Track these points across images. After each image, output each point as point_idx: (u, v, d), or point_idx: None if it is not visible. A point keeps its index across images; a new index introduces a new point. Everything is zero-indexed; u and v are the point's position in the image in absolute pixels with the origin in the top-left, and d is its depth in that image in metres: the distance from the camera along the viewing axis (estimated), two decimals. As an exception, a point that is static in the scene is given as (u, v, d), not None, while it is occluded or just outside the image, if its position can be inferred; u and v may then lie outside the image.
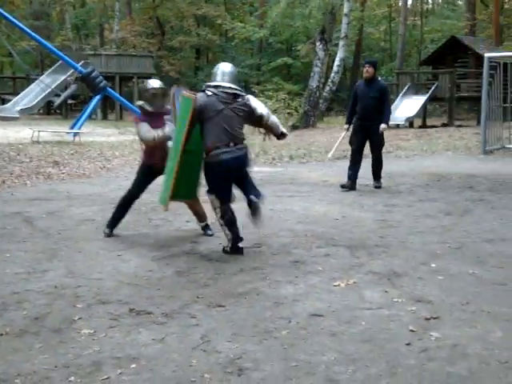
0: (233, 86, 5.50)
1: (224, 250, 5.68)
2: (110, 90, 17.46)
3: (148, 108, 6.14)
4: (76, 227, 6.74)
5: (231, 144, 5.41)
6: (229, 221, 5.59)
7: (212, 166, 5.45)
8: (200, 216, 6.46)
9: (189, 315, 4.02)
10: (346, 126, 9.73)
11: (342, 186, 9.27)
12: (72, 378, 3.10)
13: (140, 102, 6.19)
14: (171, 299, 4.35)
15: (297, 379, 3.08)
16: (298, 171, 11.54)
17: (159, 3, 38.78)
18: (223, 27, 37.30)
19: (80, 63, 22.48)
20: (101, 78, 17.28)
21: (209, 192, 5.58)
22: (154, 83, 6.20)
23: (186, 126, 5.39)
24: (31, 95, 27.11)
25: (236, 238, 5.62)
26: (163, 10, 38.89)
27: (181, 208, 7.72)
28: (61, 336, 3.66)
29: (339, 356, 3.34)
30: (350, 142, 9.59)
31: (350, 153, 9.79)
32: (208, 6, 38.08)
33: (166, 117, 6.16)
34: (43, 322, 3.88)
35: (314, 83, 22.46)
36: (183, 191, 5.91)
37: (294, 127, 22.20)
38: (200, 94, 5.43)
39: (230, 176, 5.51)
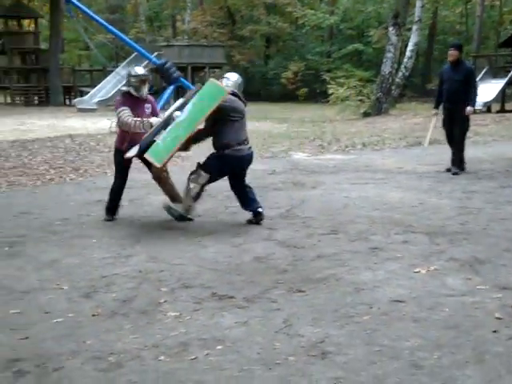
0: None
1: (178, 217, 6.42)
2: (183, 80, 17.75)
3: (134, 93, 6.48)
4: (156, 214, 6.93)
5: (247, 143, 6.35)
6: (198, 196, 6.38)
7: (230, 157, 6.19)
8: (174, 198, 6.72)
9: (269, 300, 4.09)
10: (434, 111, 9.69)
11: (448, 170, 9.31)
12: (162, 358, 3.23)
13: (125, 88, 6.54)
14: (251, 284, 4.43)
15: (381, 363, 3.10)
16: (372, 158, 11.41)
17: (230, -7, 39.07)
18: (293, 15, 37.12)
19: (154, 54, 22.97)
20: (174, 68, 17.61)
21: (205, 170, 6.23)
22: (141, 70, 6.59)
23: (209, 110, 5.99)
24: (108, 87, 27.94)
25: (190, 210, 6.45)
26: (234, -1, 39.16)
27: (257, 196, 7.82)
28: (148, 317, 3.81)
29: (423, 342, 3.33)
30: (443, 126, 9.52)
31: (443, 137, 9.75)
32: (278, -7, 38.00)
33: (146, 105, 6.61)
34: (131, 304, 4.04)
35: (386, 69, 22.07)
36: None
37: (365, 114, 21.94)
38: (233, 97, 6.13)
39: (237, 169, 6.38)
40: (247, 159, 6.40)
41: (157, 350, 3.33)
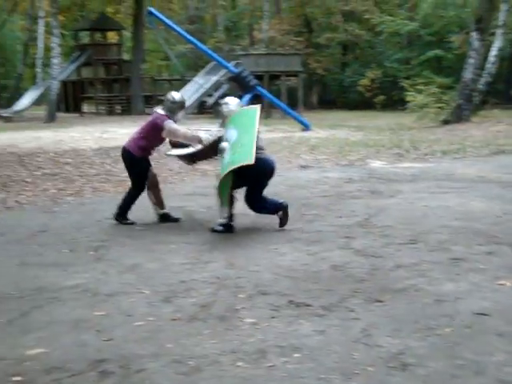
0: None
1: (215, 230, 6.47)
2: (260, 88, 17.90)
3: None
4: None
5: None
6: (232, 202, 6.59)
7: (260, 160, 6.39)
8: (162, 204, 7.19)
9: (347, 309, 4.06)
10: None
11: None
12: (240, 364, 3.26)
13: (163, 112, 6.89)
14: (329, 293, 4.40)
15: (464, 378, 3.01)
16: (452, 167, 11.12)
17: (307, 1, 39.05)
18: (371, 22, 36.75)
19: (231, 63, 23.30)
20: (251, 77, 17.82)
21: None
22: (178, 96, 7.04)
23: (256, 128, 6.48)
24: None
25: (232, 216, 6.55)
26: (311, 7, 39.12)
27: (333, 204, 7.79)
28: (226, 323, 3.85)
29: (509, 357, 3.21)
30: None
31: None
32: (356, 1, 37.72)
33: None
34: (209, 310, 4.10)
35: (468, 75, 21.46)
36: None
37: (445, 122, 21.38)
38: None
39: (268, 169, 6.59)
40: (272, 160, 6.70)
41: (235, 355, 3.36)
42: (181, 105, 7.01)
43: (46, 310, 4.15)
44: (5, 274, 5.02)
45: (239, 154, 6.40)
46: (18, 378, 3.14)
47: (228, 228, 6.46)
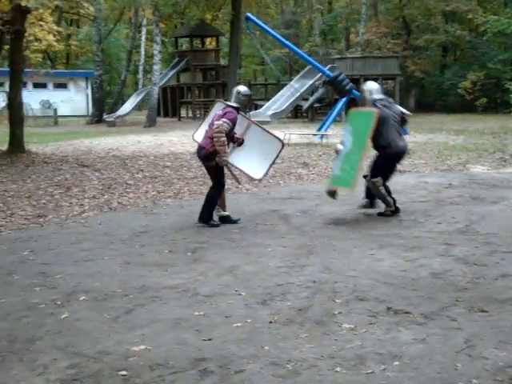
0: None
1: (383, 213, 7.30)
2: (355, 92, 17.71)
3: (241, 110, 7.20)
4: (328, 225, 6.97)
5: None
6: (388, 190, 7.31)
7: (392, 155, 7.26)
8: (224, 206, 7.36)
9: (449, 318, 3.93)
10: None
11: None
12: (338, 369, 3.23)
13: (235, 104, 7.05)
14: (429, 300, 4.28)
15: None
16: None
17: (406, 3, 38.24)
18: (474, 22, 35.45)
19: (327, 67, 23.19)
20: (347, 80, 17.65)
21: (375, 176, 7.20)
22: (246, 88, 7.37)
23: (368, 138, 7.09)
24: (281, 100, 28.64)
25: (394, 200, 7.34)
26: (410, 9, 38.22)
27: (432, 210, 7.57)
28: (324, 328, 3.83)
29: None
30: None
31: None
32: (458, 0, 36.50)
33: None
34: (306, 314, 4.09)
35: None
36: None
37: (553, 125, 20.32)
38: (378, 110, 7.10)
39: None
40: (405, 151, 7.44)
41: (333, 360, 3.33)
42: (249, 97, 7.34)
43: (149, 309, 4.29)
44: (110, 273, 5.24)
45: (343, 173, 7.24)
46: (124, 373, 3.27)
47: (396, 210, 7.33)
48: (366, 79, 32.24)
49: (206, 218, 7.03)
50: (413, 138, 18.22)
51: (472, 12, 34.97)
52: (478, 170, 11.29)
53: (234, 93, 7.15)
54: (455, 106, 36.07)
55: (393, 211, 7.31)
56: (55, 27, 19.37)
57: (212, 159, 6.93)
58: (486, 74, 34.65)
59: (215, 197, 7.09)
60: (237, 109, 7.01)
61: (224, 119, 6.77)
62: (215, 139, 6.74)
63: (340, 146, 7.41)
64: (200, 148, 7.08)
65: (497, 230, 6.34)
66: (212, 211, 7.05)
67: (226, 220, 7.19)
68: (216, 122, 6.78)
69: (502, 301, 4.20)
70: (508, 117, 24.14)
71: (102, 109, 33.93)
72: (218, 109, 7.26)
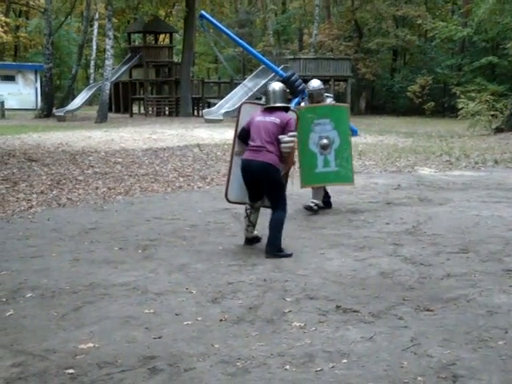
0: None
1: (311, 208, 7.53)
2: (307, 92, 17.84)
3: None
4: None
5: None
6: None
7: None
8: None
9: (396, 317, 4.01)
10: None
11: None
12: (287, 367, 3.26)
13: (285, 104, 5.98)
14: (377, 300, 4.36)
15: (518, 392, 2.94)
16: (505, 176, 10.87)
17: (358, 6, 38.80)
18: (423, 27, 36.25)
19: (280, 67, 23.31)
20: (300, 81, 17.76)
21: None
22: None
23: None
24: (234, 98, 28.65)
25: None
26: (362, 12, 38.81)
27: (381, 210, 7.71)
28: (274, 326, 3.85)
29: None
30: None
31: None
32: (408, 6, 37.25)
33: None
34: (257, 312, 4.11)
35: (523, 83, 20.99)
36: None
37: (498, 130, 20.89)
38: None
39: None
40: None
41: (282, 359, 3.36)
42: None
43: (97, 306, 4.24)
44: (58, 270, 5.14)
45: (343, 169, 7.59)
46: (71, 371, 3.22)
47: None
48: (319, 80, 32.61)
49: (278, 245, 5.70)
50: (363, 140, 18.50)
51: (421, 18, 35.75)
52: (426, 172, 11.54)
53: (278, 91, 5.85)
54: (404, 109, 36.80)
55: (319, 207, 7.61)
56: (3, 18, 18.88)
57: (278, 173, 5.78)
58: (433, 78, 35.48)
59: (283, 220, 5.81)
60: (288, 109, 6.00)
61: (294, 133, 5.75)
62: (287, 155, 5.74)
63: (326, 141, 7.50)
64: (261, 165, 5.65)
65: (443, 231, 6.49)
66: (279, 241, 5.73)
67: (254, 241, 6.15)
68: (286, 139, 5.67)
69: (447, 300, 4.31)
70: (454, 121, 24.76)
71: (52, 103, 33.24)
72: (255, 114, 5.93)
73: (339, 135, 7.54)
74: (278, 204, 5.80)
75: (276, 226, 5.72)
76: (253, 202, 6.01)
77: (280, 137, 5.69)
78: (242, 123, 6.05)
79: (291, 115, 5.91)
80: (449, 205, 8.08)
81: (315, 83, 7.79)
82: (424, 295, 4.44)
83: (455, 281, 4.78)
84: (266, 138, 5.67)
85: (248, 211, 6.04)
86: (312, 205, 7.59)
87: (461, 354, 3.38)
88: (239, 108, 6.32)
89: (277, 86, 5.92)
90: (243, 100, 27.88)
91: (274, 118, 5.74)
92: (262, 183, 5.76)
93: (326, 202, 7.90)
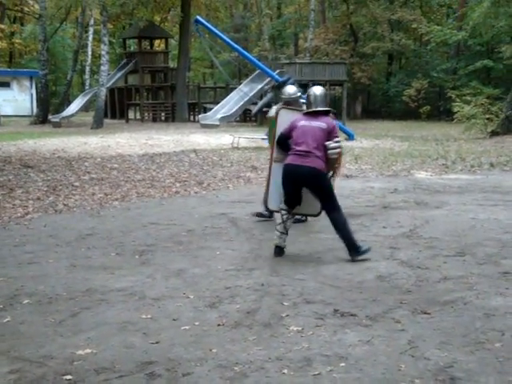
0: None
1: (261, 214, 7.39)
2: (304, 97, 17.87)
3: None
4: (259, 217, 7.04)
5: None
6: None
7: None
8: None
9: (393, 320, 4.02)
10: None
11: None
12: (285, 371, 3.26)
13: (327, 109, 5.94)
14: (374, 303, 4.37)
15: (515, 394, 2.94)
16: (501, 179, 10.90)
17: (353, 10, 38.93)
18: (418, 31, 36.39)
19: (276, 72, 23.36)
20: (296, 85, 17.81)
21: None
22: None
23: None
24: (230, 103, 28.68)
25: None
26: (357, 16, 38.96)
27: (378, 214, 7.72)
28: (272, 330, 3.85)
29: (562, 375, 3.13)
30: None
31: None
32: (403, 10, 37.39)
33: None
34: (254, 317, 4.11)
35: (517, 86, 21.05)
36: None
37: (493, 133, 20.97)
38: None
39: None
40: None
41: (280, 363, 3.36)
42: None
43: (95, 312, 4.23)
44: (55, 276, 5.14)
45: None
46: (69, 377, 3.21)
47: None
48: (315, 85, 32.76)
49: (355, 244, 5.65)
50: (359, 144, 18.56)
51: (416, 22, 35.88)
52: (422, 175, 11.56)
53: (320, 94, 5.81)
54: (400, 113, 36.90)
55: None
56: (-2, 24, 18.88)
57: (326, 178, 5.80)
58: (429, 82, 35.60)
59: (343, 217, 5.76)
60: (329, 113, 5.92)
61: (339, 138, 5.82)
62: (333, 160, 5.80)
63: None
64: (309, 171, 5.60)
65: (439, 234, 6.51)
66: (355, 243, 5.65)
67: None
68: (334, 145, 5.69)
69: (444, 303, 4.32)
70: (450, 124, 24.85)
71: (47, 109, 33.22)
72: (297, 118, 5.88)
73: None
74: (334, 206, 5.74)
75: (343, 228, 5.68)
76: (291, 207, 5.88)
77: (327, 143, 5.66)
78: (280, 129, 5.99)
79: (333, 122, 5.85)
80: (445, 208, 8.10)
81: (291, 89, 7.06)
82: (421, 298, 4.44)
83: (452, 284, 4.79)
84: (314, 143, 5.62)
85: (285, 217, 5.87)
86: (300, 217, 7.17)
87: (458, 357, 3.38)
88: (276, 114, 6.23)
89: (318, 90, 5.88)
90: (240, 105, 27.95)
91: (320, 123, 5.69)
92: (310, 188, 5.71)
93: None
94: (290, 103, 7.05)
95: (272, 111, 7.45)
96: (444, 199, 8.76)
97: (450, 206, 8.26)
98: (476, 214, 7.56)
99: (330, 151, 5.68)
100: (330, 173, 5.95)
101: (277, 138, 6.03)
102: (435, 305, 4.28)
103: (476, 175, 11.57)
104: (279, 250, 5.82)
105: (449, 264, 5.37)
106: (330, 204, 5.74)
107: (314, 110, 5.76)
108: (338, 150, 5.75)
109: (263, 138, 18.79)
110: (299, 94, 7.19)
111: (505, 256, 5.57)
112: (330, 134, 5.69)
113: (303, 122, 5.74)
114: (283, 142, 5.95)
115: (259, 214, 7.50)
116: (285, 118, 6.03)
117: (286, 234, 5.85)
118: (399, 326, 3.90)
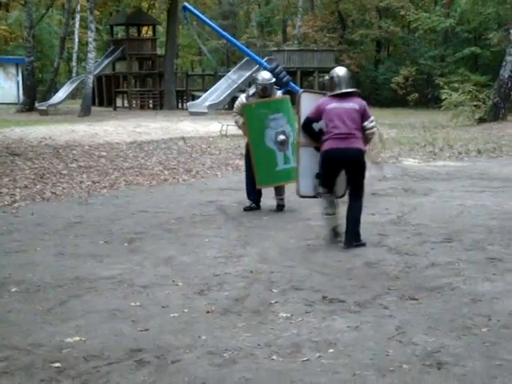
0: None
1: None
2: (292, 84, 17.82)
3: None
4: (265, 216, 7.02)
5: None
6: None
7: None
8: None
9: (381, 306, 4.04)
10: None
11: None
12: (274, 357, 3.27)
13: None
14: (362, 289, 4.39)
15: (502, 378, 2.97)
16: (488, 166, 10.97)
17: (342, -3, 38.86)
18: (406, 18, 36.36)
19: (264, 59, 23.27)
20: (284, 73, 17.74)
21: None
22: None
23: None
24: (218, 91, 28.56)
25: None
26: (345, 3, 38.80)
27: (366, 201, 7.73)
28: (261, 317, 3.87)
29: (548, 359, 3.16)
30: None
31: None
32: (391, -4, 37.34)
33: None
34: (243, 303, 4.12)
35: (505, 73, 21.08)
36: None
37: (481, 120, 21.07)
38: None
39: None
40: None
41: (269, 349, 3.37)
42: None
43: (84, 300, 4.23)
44: (43, 264, 5.11)
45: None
46: (58, 365, 3.21)
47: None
48: (304, 72, 32.60)
49: (358, 234, 5.64)
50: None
51: (404, 9, 35.82)
52: (410, 162, 11.60)
53: (343, 75, 5.71)
54: (388, 100, 36.89)
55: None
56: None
57: (363, 158, 5.72)
58: (417, 69, 35.61)
59: (362, 204, 5.78)
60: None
61: (372, 117, 5.77)
62: (370, 140, 5.88)
63: (283, 137, 7.08)
64: (354, 152, 5.58)
65: (427, 221, 6.54)
66: (359, 228, 5.67)
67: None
68: (371, 124, 5.69)
69: (431, 289, 4.35)
70: (438, 111, 24.91)
71: (34, 97, 32.90)
72: (324, 101, 5.75)
73: (292, 129, 7.09)
74: (361, 190, 5.72)
75: (359, 214, 5.65)
76: (331, 189, 5.80)
77: (365, 124, 5.64)
78: (306, 113, 5.88)
79: (362, 101, 5.79)
80: (433, 195, 8.14)
81: (266, 75, 7.14)
82: (409, 284, 4.47)
83: (440, 270, 4.82)
84: (353, 124, 5.55)
85: (329, 199, 5.80)
86: (282, 203, 7.33)
87: (445, 342, 3.41)
88: (298, 98, 6.09)
89: (341, 71, 5.78)
90: (228, 92, 27.84)
91: (353, 104, 5.63)
92: (352, 170, 5.64)
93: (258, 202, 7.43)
94: (266, 88, 7.07)
95: (242, 99, 7.34)
96: (432, 186, 8.80)
97: (437, 192, 8.30)
98: (463, 201, 7.60)
99: (367, 131, 5.68)
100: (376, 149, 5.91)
101: (302, 121, 5.91)
102: (423, 291, 4.31)
103: (463, 162, 11.62)
104: (336, 233, 5.75)
105: (436, 250, 5.40)
106: (361, 188, 5.71)
107: (341, 91, 5.63)
108: (374, 130, 5.79)
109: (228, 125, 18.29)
110: (274, 79, 7.19)
111: (491, 242, 5.61)
112: (364, 114, 5.65)
113: (334, 104, 5.61)
114: (309, 127, 5.85)
115: (248, 208, 7.36)
116: (308, 103, 5.94)
117: (336, 212, 5.79)
118: (387, 311, 3.93)
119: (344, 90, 5.64)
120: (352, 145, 5.53)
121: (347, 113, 5.57)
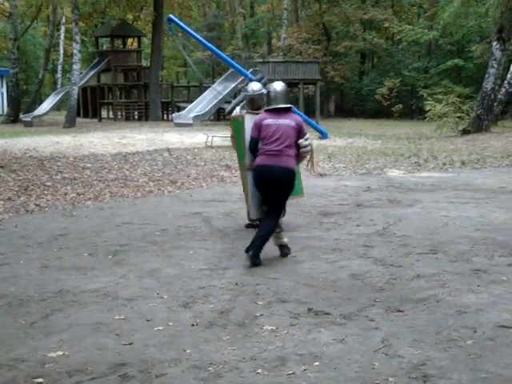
0: None
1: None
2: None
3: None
4: (250, 228, 6.98)
5: None
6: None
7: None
8: None
9: (367, 318, 4.03)
10: None
11: None
12: (259, 371, 3.25)
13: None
14: (348, 301, 4.38)
15: (487, 390, 2.97)
16: (472, 177, 11.04)
17: (326, 9, 39.09)
18: (390, 30, 36.69)
19: (249, 71, 23.34)
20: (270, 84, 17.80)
21: None
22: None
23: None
24: (204, 102, 28.56)
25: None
26: (330, 16, 39.11)
27: (351, 212, 7.76)
28: (246, 330, 3.84)
29: (533, 370, 3.17)
30: None
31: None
32: (375, 9, 37.67)
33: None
34: (228, 316, 4.10)
35: (488, 85, 21.31)
36: None
37: (464, 132, 21.25)
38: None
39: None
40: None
41: (254, 362, 3.35)
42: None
43: (67, 313, 4.18)
44: (26, 277, 5.06)
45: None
46: (40, 380, 3.16)
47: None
48: (288, 84, 32.69)
49: (259, 249, 5.47)
50: (333, 142, 18.64)
51: (388, 21, 36.15)
52: (395, 173, 11.66)
53: (280, 91, 5.59)
54: (373, 112, 37.16)
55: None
56: (-33, 22, 18.57)
57: (291, 177, 5.59)
58: (401, 81, 35.90)
59: (276, 226, 5.69)
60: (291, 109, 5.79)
61: (307, 135, 5.74)
62: (304, 158, 5.88)
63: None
64: (283, 171, 5.47)
65: (412, 232, 6.56)
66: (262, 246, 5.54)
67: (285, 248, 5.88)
68: (306, 142, 5.69)
69: (417, 300, 4.35)
70: (422, 123, 25.10)
71: (18, 108, 32.78)
72: (260, 118, 5.66)
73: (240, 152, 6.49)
74: (280, 210, 5.71)
75: (269, 232, 5.54)
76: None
77: (300, 141, 5.59)
78: (249, 134, 5.77)
79: (299, 118, 5.73)
80: (418, 206, 8.17)
81: (255, 86, 6.66)
82: (394, 296, 4.47)
83: (425, 281, 4.83)
84: (286, 142, 5.46)
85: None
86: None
87: (431, 354, 3.41)
88: (243, 120, 5.98)
89: (278, 85, 5.65)
90: (213, 104, 27.85)
91: (289, 121, 5.54)
92: (279, 189, 5.54)
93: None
94: (255, 100, 6.78)
95: (236, 111, 7.35)
96: (416, 197, 8.84)
97: (422, 203, 8.33)
98: (448, 212, 7.64)
99: (301, 149, 5.65)
100: (303, 167, 5.88)
101: (248, 143, 5.78)
102: (408, 303, 4.31)
103: (448, 173, 11.70)
104: (286, 249, 5.75)
105: (421, 262, 5.41)
106: (281, 207, 5.71)
107: (276, 107, 5.54)
108: (308, 148, 5.75)
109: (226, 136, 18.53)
110: (264, 91, 6.83)
111: (476, 253, 5.64)
112: (300, 131, 5.59)
113: (270, 121, 5.53)
114: (255, 147, 5.70)
115: (249, 225, 7.04)
116: (250, 123, 5.80)
117: (283, 229, 5.79)
118: (373, 324, 3.92)
119: (280, 106, 5.56)
120: (280, 163, 5.44)
121: (284, 130, 5.49)
